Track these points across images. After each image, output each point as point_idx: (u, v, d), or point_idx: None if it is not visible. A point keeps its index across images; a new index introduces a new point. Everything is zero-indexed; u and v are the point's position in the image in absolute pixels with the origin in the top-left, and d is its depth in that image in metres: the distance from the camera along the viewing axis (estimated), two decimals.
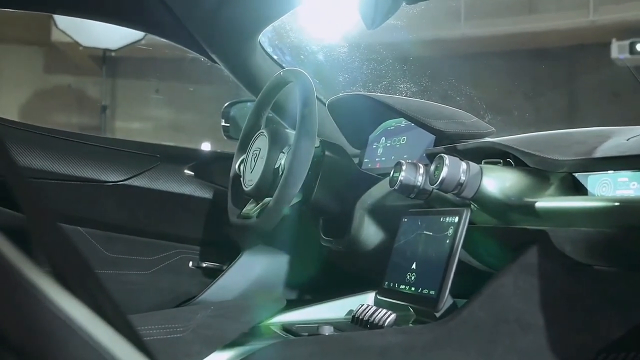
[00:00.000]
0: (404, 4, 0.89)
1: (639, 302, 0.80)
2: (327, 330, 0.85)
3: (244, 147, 1.17)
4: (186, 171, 1.36)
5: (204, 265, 1.36)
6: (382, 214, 1.10)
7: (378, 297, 0.98)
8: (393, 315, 0.87)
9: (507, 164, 0.88)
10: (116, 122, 6.07)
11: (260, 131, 1.12)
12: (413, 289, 0.90)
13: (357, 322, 0.92)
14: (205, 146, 5.10)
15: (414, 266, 0.92)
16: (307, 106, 1.01)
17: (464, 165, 0.83)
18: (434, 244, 0.89)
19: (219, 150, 1.61)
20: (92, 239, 1.27)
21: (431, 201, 0.97)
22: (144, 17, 1.30)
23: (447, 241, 0.86)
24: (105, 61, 5.41)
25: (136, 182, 1.31)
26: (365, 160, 1.34)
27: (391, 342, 0.79)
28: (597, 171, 0.77)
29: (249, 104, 1.47)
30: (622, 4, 4.51)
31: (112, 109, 5.88)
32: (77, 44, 4.93)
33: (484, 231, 0.89)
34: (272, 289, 1.31)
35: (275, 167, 1.06)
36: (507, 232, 0.85)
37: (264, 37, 1.31)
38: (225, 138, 1.51)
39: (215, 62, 1.36)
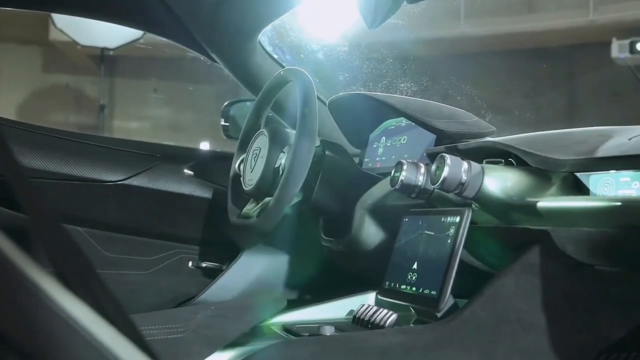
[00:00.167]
0: (404, 3, 0.89)
1: None
2: (328, 331, 0.85)
3: (244, 147, 1.16)
4: (186, 171, 1.36)
5: (204, 265, 1.35)
6: (382, 214, 1.10)
7: (379, 297, 0.98)
8: (394, 316, 0.87)
9: (508, 164, 0.87)
10: (114, 122, 6.06)
11: (260, 130, 1.12)
12: (414, 289, 0.90)
13: (357, 322, 0.92)
14: (204, 146, 5.10)
15: (415, 266, 0.92)
16: (308, 105, 1.00)
17: (465, 164, 0.83)
18: (435, 244, 0.89)
19: (218, 150, 1.60)
20: (91, 238, 1.26)
21: (432, 201, 0.96)
22: (144, 16, 1.29)
23: (449, 241, 0.86)
24: (104, 60, 5.40)
25: (135, 181, 1.30)
26: (366, 159, 1.34)
27: (392, 342, 0.78)
28: (599, 171, 0.77)
29: (248, 103, 1.47)
30: (621, 3, 4.51)
31: (110, 109, 5.87)
32: (75, 43, 4.92)
33: (485, 231, 0.88)
34: (271, 289, 1.31)
35: (276, 166, 1.06)
36: (508, 231, 0.85)
37: (264, 36, 1.31)
38: (224, 138, 1.50)
39: (215, 61, 1.36)
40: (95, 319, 0.30)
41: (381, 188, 1.11)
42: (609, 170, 0.76)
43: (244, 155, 1.15)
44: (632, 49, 4.12)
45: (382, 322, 0.87)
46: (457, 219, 0.86)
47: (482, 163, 0.86)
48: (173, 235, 1.33)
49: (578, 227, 0.76)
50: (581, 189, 0.79)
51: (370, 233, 1.11)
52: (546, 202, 0.78)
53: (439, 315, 0.83)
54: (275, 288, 1.32)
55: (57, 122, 5.64)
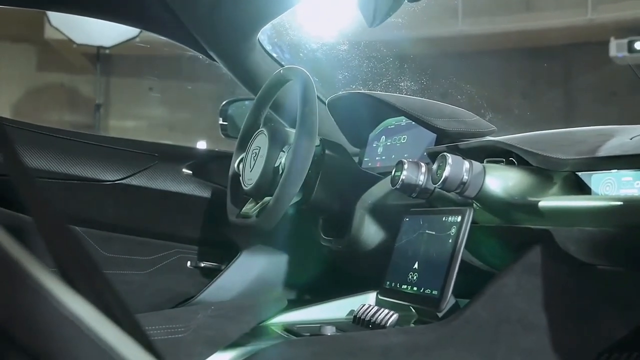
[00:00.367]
0: (405, 1, 0.89)
1: None
2: (329, 331, 0.85)
3: (243, 146, 1.16)
4: (184, 170, 1.35)
5: (203, 265, 1.35)
6: (382, 213, 1.10)
7: (379, 297, 0.98)
8: (395, 315, 0.87)
9: (509, 163, 0.87)
10: (110, 121, 6.03)
11: (259, 130, 1.11)
12: (415, 288, 0.90)
13: (358, 322, 0.92)
14: (201, 145, 5.08)
15: (415, 266, 0.91)
16: (308, 104, 1.00)
17: (466, 164, 0.83)
18: (436, 244, 0.89)
19: (216, 149, 1.59)
20: (89, 238, 1.26)
21: (433, 200, 0.96)
22: (142, 14, 1.28)
23: (450, 240, 0.86)
24: (99, 59, 5.37)
25: (134, 181, 1.30)
26: (365, 159, 1.33)
27: (393, 342, 0.78)
28: (600, 170, 0.77)
29: (246, 102, 1.46)
30: (619, 2, 4.52)
31: (106, 108, 5.84)
32: (70, 41, 4.89)
33: (486, 230, 0.88)
34: (271, 289, 1.31)
35: (275, 166, 1.05)
36: (510, 231, 0.85)
37: (263, 35, 1.30)
38: (222, 137, 1.50)
39: (214, 60, 1.35)
40: (101, 319, 0.30)
41: (381, 187, 1.10)
42: (610, 169, 0.76)
43: (243, 155, 1.14)
44: (630, 48, 4.14)
45: (383, 322, 0.87)
46: (459, 219, 0.86)
47: (483, 162, 0.86)
48: (172, 235, 1.33)
49: (580, 227, 0.76)
50: (583, 189, 0.79)
51: (370, 233, 1.11)
52: (548, 202, 0.78)
53: (440, 315, 0.83)
54: (274, 288, 1.31)
55: (52, 121, 5.61)
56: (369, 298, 0.99)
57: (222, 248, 1.35)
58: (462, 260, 0.84)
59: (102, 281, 0.32)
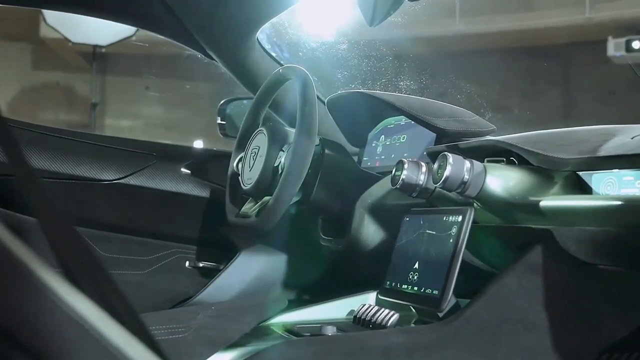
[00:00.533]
0: (405, 0, 0.88)
1: None
2: (330, 331, 0.84)
3: (242, 145, 1.15)
4: (183, 169, 1.34)
5: (201, 265, 1.34)
6: (382, 213, 1.09)
7: (379, 297, 0.97)
8: (396, 315, 0.86)
9: (510, 163, 0.87)
10: (106, 120, 6.02)
11: (259, 129, 1.11)
12: (415, 288, 0.90)
13: (359, 322, 0.91)
14: (198, 144, 5.07)
15: (416, 265, 0.91)
16: (307, 104, 1.00)
17: (467, 163, 0.83)
18: (437, 243, 0.89)
19: (215, 149, 1.59)
20: (87, 238, 1.25)
21: (433, 200, 0.96)
22: (139, 12, 1.28)
23: (451, 240, 0.86)
24: (95, 58, 5.35)
25: (132, 180, 1.29)
26: (365, 158, 1.33)
27: (394, 342, 0.78)
28: (601, 170, 0.77)
29: (245, 101, 1.46)
30: (618, 1, 4.53)
31: (102, 107, 5.83)
32: (66, 40, 4.86)
33: (487, 230, 0.88)
34: (270, 289, 1.30)
35: (275, 165, 1.05)
36: (511, 231, 0.85)
37: (262, 34, 1.30)
38: (220, 136, 1.49)
39: (213, 59, 1.35)
40: (105, 319, 0.30)
41: (381, 187, 1.10)
42: (612, 169, 0.76)
43: (242, 154, 1.14)
44: (628, 47, 4.15)
45: (383, 322, 0.86)
46: (459, 218, 0.86)
47: (483, 162, 0.86)
48: (170, 234, 1.32)
49: (581, 226, 0.76)
50: (584, 188, 0.79)
51: (370, 232, 1.11)
52: (549, 201, 0.78)
53: (441, 315, 0.83)
54: (273, 288, 1.31)
55: (47, 120, 5.59)
56: (369, 298, 0.99)
57: (220, 248, 1.34)
58: (462, 260, 0.84)
59: (106, 281, 0.32)
